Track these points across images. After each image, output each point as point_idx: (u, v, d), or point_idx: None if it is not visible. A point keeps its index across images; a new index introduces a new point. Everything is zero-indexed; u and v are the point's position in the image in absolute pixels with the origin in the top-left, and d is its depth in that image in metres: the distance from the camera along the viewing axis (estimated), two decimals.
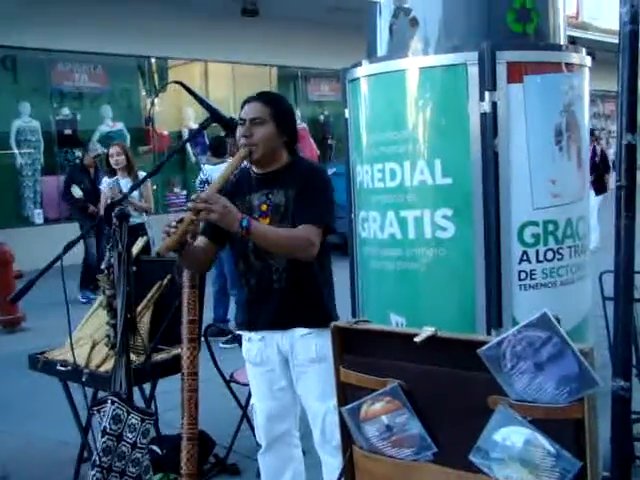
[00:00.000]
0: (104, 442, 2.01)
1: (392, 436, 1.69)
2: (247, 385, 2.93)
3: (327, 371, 2.45)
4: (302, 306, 2.54)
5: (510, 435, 1.51)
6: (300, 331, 2.54)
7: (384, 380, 1.70)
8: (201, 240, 2.53)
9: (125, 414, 2.03)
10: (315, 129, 16.29)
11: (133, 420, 2.05)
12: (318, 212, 2.46)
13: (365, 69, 3.31)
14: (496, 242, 3.02)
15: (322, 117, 16.77)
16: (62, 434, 4.02)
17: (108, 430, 2.01)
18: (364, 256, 3.45)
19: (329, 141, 16.38)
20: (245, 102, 2.53)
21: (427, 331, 1.56)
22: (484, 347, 1.49)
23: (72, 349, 2.25)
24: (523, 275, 3.06)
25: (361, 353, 1.77)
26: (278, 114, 2.50)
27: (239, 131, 2.47)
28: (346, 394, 1.81)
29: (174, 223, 2.22)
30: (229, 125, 2.41)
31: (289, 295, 2.52)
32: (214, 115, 2.34)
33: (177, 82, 2.37)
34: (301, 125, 14.75)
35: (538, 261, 3.06)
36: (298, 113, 14.67)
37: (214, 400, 3.95)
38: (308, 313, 2.54)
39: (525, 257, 3.05)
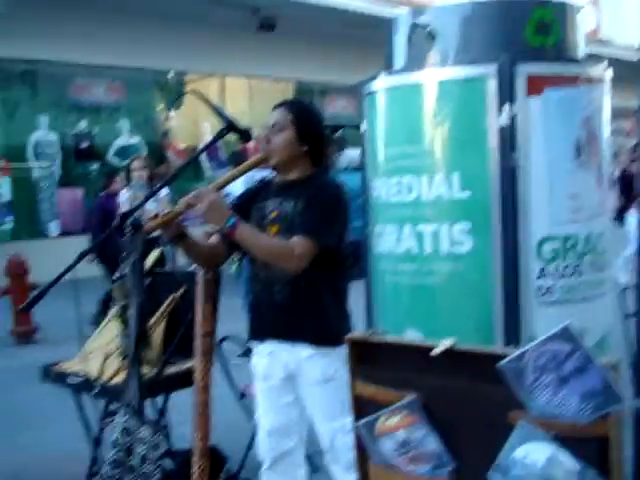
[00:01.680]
0: (114, 454, 1.98)
1: (409, 451, 1.65)
2: None
3: (335, 391, 2.42)
4: (305, 322, 2.50)
5: (531, 452, 1.46)
6: (305, 352, 2.51)
7: (401, 393, 1.66)
8: (215, 237, 2.54)
9: (136, 427, 2.01)
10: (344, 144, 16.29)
11: (144, 433, 2.02)
12: (314, 226, 2.44)
13: (382, 82, 3.29)
14: (514, 257, 2.97)
15: (338, 133, 16.77)
16: (74, 446, 4.01)
17: (118, 442, 1.99)
18: (379, 271, 3.41)
19: None
20: (274, 108, 2.54)
21: (445, 343, 1.53)
22: (505, 360, 1.44)
23: (84, 360, 2.22)
24: (542, 291, 3.00)
25: (377, 366, 1.73)
26: (300, 121, 2.49)
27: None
28: (361, 408, 1.77)
29: (166, 210, 2.35)
30: (244, 135, 2.39)
31: (290, 309, 2.50)
32: (230, 125, 2.33)
33: (193, 92, 2.36)
34: None
35: (557, 277, 3.00)
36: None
37: (227, 414, 3.92)
38: (311, 330, 2.50)
39: (544, 273, 3.00)
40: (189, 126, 14.21)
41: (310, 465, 3.52)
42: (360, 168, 3.38)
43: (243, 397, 3.76)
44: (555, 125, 2.93)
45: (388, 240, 3.31)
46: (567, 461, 1.42)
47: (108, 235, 2.10)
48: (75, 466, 3.84)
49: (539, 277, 2.99)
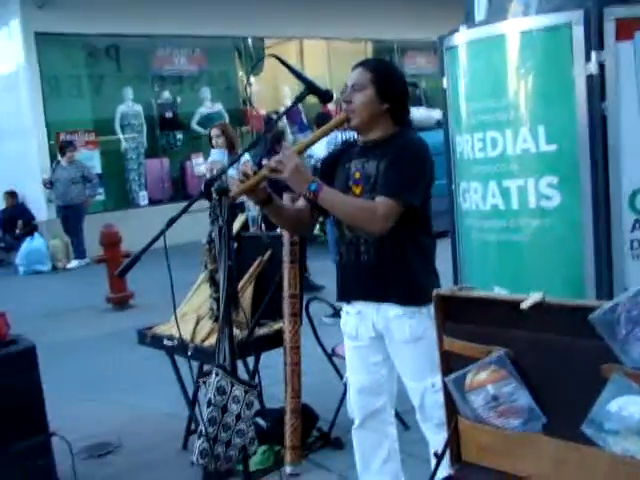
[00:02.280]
0: (209, 413, 2.05)
1: (499, 406, 1.64)
2: None
3: (423, 350, 2.42)
4: (391, 282, 2.48)
5: (627, 405, 1.42)
6: (393, 311, 2.49)
7: (489, 348, 1.64)
8: (302, 202, 2.56)
9: (229, 386, 2.06)
10: (411, 102, 16.08)
11: (237, 392, 2.08)
12: (398, 186, 2.39)
13: (463, 35, 3.21)
14: (606, 210, 2.88)
15: (417, 91, 16.53)
16: (170, 406, 4.16)
17: (213, 401, 2.05)
18: (465, 228, 3.37)
19: None
20: (352, 69, 2.53)
21: (534, 297, 1.50)
22: (596, 312, 1.40)
23: (177, 323, 2.29)
24: (636, 244, 2.91)
25: (465, 321, 1.71)
26: (379, 80, 2.45)
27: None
28: (450, 363, 1.76)
29: (251, 172, 2.35)
30: (325, 97, 2.39)
31: (376, 269, 2.48)
32: (310, 87, 2.32)
33: (272, 55, 2.37)
34: None
35: None
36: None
37: (317, 374, 3.98)
38: (398, 290, 2.48)
39: (638, 225, 2.90)
40: (270, 91, 14.26)
41: (401, 423, 3.56)
42: (423, 128, 3.33)
43: (333, 356, 3.79)
44: None
45: (474, 197, 3.27)
46: None
47: (193, 202, 2.14)
48: (174, 425, 4.00)
49: (633, 230, 2.90)
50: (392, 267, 2.47)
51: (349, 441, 2.86)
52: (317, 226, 5.03)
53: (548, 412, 1.61)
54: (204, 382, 2.12)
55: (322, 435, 3.71)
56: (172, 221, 2.02)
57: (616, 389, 1.43)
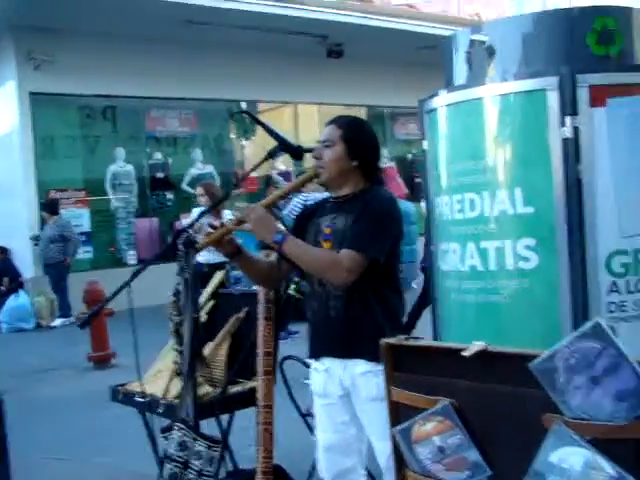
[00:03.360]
0: (170, 469, 2.00)
1: (445, 458, 1.61)
2: None
3: None
4: (359, 337, 2.48)
5: (568, 457, 1.40)
6: (361, 368, 2.48)
7: (435, 399, 1.62)
8: (274, 256, 2.57)
9: (192, 441, 2.02)
10: (403, 168, 16.30)
11: (199, 447, 2.03)
12: (362, 240, 2.42)
13: (442, 99, 3.27)
14: (583, 273, 2.88)
15: (410, 156, 16.76)
16: (142, 466, 4.06)
17: (175, 457, 2.00)
18: (445, 290, 3.36)
19: (417, 179, 16.29)
20: (325, 125, 2.56)
21: (477, 345, 1.49)
22: (536, 360, 1.39)
23: (140, 379, 2.26)
24: (613, 307, 2.90)
25: (412, 371, 1.70)
26: (349, 137, 2.49)
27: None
28: (399, 414, 1.73)
29: (218, 224, 2.41)
30: (295, 153, 2.42)
31: (344, 324, 2.48)
32: (281, 143, 2.36)
33: (244, 112, 2.42)
34: (389, 164, 14.76)
35: (629, 292, 2.90)
36: (385, 152, 14.69)
37: (292, 435, 3.90)
38: (365, 346, 2.47)
39: (615, 288, 2.90)
40: (260, 154, 14.42)
41: None
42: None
43: (307, 416, 3.72)
44: (621, 135, 2.85)
45: (453, 258, 3.27)
46: (604, 466, 1.35)
47: (162, 253, 2.13)
48: None
49: (610, 292, 2.90)
50: (359, 322, 2.46)
51: None
52: (292, 286, 5.02)
53: (493, 464, 1.57)
54: (166, 438, 2.07)
55: None
56: (136, 274, 2.02)
57: (557, 439, 1.40)
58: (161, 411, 3.16)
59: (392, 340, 1.74)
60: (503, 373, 1.50)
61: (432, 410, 1.61)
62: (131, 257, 12.79)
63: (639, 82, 2.91)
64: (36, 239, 11.09)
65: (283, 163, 13.93)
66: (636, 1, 3.08)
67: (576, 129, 2.82)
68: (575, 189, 2.84)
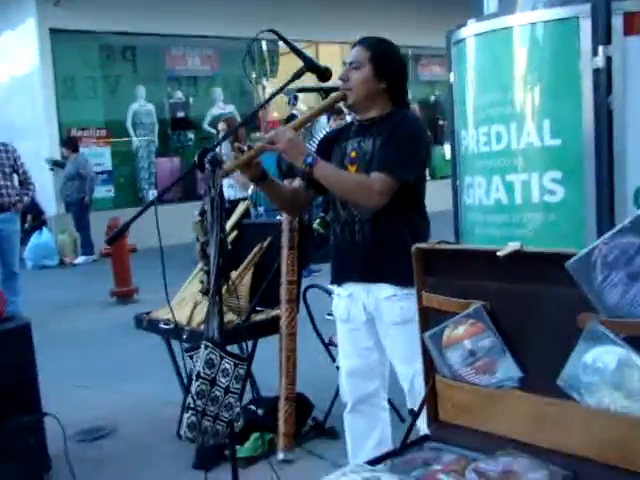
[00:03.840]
0: (198, 386, 2.03)
1: (476, 362, 1.61)
2: None
3: (413, 333, 2.36)
4: (385, 261, 2.45)
5: (602, 356, 1.38)
6: (385, 292, 2.46)
7: (467, 302, 1.61)
8: (297, 182, 2.55)
9: (218, 359, 2.05)
10: (426, 110, 16.08)
11: (226, 365, 2.06)
12: (392, 162, 2.37)
13: (471, 29, 3.19)
14: (609, 206, 2.85)
15: (433, 98, 16.52)
16: (168, 393, 4.15)
17: (202, 374, 2.03)
18: (469, 223, 3.35)
19: (440, 122, 16.10)
20: (352, 46, 2.52)
21: (512, 245, 1.48)
22: (573, 259, 1.37)
23: (170, 306, 2.30)
24: None
25: (443, 275, 1.69)
26: (377, 58, 2.44)
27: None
28: (429, 320, 1.73)
29: (246, 148, 2.34)
30: (323, 74, 2.38)
31: (371, 248, 2.45)
32: (308, 64, 2.31)
33: (270, 30, 2.37)
34: (412, 106, 14.59)
35: None
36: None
37: (314, 365, 3.96)
38: (391, 270, 2.44)
39: None
40: (284, 96, 14.30)
41: (397, 415, 3.51)
42: None
43: (330, 345, 3.75)
44: None
45: (477, 192, 3.24)
46: (639, 362, 1.34)
47: (186, 174, 2.13)
48: (170, 411, 3.96)
49: None
50: (386, 246, 2.45)
51: (345, 431, 2.83)
52: (317, 220, 4.99)
53: (525, 366, 1.57)
54: (191, 357, 2.10)
55: (317, 424, 3.68)
56: (163, 192, 2.02)
57: (591, 339, 1.39)
58: (185, 337, 3.21)
59: (423, 245, 1.73)
60: (537, 274, 1.48)
61: (464, 313, 1.61)
62: (152, 196, 12.83)
63: None
64: (52, 164, 11.19)
65: (305, 104, 13.81)
66: None
67: (609, 59, 2.76)
68: (605, 121, 2.80)
